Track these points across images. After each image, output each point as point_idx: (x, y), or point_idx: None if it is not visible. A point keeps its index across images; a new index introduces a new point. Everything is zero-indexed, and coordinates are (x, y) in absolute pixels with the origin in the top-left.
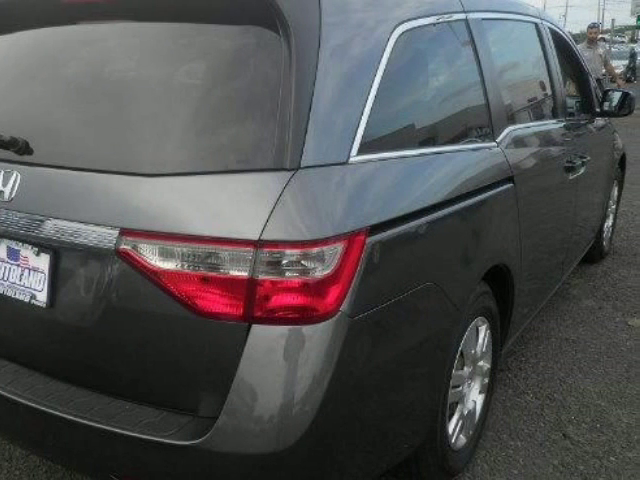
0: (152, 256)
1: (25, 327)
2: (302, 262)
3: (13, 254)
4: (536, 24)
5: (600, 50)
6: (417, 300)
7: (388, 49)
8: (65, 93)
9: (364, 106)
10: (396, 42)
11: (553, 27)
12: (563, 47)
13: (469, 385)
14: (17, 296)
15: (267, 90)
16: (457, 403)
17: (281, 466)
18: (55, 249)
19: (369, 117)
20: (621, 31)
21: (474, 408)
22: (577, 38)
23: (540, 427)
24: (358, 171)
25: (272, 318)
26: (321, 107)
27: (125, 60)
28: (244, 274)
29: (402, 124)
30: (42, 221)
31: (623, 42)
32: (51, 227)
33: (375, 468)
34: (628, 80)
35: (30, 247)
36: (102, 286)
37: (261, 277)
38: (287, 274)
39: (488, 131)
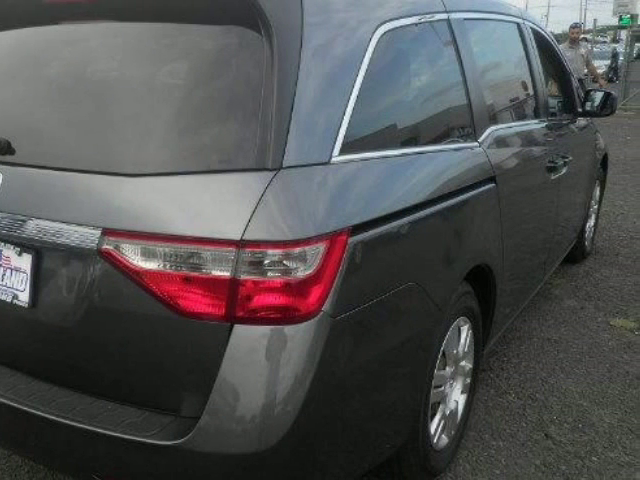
0: (134, 256)
1: (7, 327)
2: (284, 262)
3: None
4: (518, 24)
5: (582, 50)
6: (399, 300)
7: (370, 49)
8: (47, 93)
9: (346, 106)
10: (378, 42)
11: (535, 27)
12: (545, 47)
13: (451, 385)
14: None
15: (249, 90)
16: (439, 403)
17: (263, 466)
18: (37, 249)
19: (351, 117)
20: (603, 31)
21: (456, 408)
22: (559, 38)
23: (522, 427)
24: (340, 171)
25: (254, 318)
26: (303, 107)
27: (108, 60)
28: (226, 274)
29: (384, 124)
30: (24, 221)
31: (605, 42)
32: (33, 227)
33: (357, 468)
34: (610, 80)
35: (12, 247)
36: (84, 286)
37: (243, 277)
38: (269, 274)
39: (470, 131)
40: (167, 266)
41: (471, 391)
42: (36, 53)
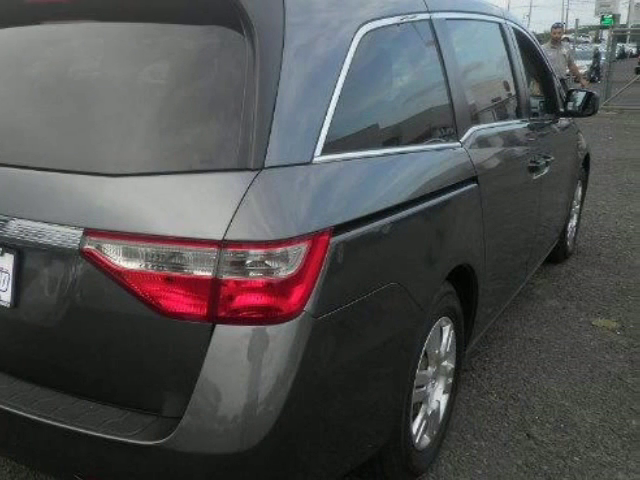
0: (116, 256)
1: None
2: (266, 262)
3: None
4: (500, 24)
5: (564, 50)
6: (381, 300)
7: (352, 49)
8: (29, 93)
9: (328, 106)
10: (360, 42)
11: (517, 27)
12: (527, 47)
13: (433, 385)
14: None
15: (231, 90)
16: (421, 403)
17: (245, 466)
18: (19, 249)
19: (333, 117)
20: (585, 31)
21: (438, 408)
22: (541, 38)
23: (504, 427)
24: (322, 171)
25: (236, 318)
26: (285, 107)
27: (89, 60)
28: (208, 274)
29: (366, 124)
30: (6, 221)
31: (587, 42)
32: (15, 227)
33: (339, 468)
34: (592, 80)
35: None
36: (66, 286)
37: (225, 277)
38: (251, 274)
39: (452, 131)
40: (149, 266)
41: (453, 391)
42: (18, 53)
